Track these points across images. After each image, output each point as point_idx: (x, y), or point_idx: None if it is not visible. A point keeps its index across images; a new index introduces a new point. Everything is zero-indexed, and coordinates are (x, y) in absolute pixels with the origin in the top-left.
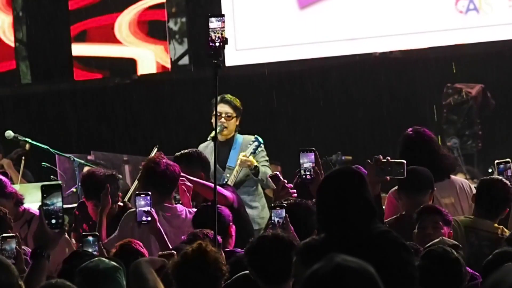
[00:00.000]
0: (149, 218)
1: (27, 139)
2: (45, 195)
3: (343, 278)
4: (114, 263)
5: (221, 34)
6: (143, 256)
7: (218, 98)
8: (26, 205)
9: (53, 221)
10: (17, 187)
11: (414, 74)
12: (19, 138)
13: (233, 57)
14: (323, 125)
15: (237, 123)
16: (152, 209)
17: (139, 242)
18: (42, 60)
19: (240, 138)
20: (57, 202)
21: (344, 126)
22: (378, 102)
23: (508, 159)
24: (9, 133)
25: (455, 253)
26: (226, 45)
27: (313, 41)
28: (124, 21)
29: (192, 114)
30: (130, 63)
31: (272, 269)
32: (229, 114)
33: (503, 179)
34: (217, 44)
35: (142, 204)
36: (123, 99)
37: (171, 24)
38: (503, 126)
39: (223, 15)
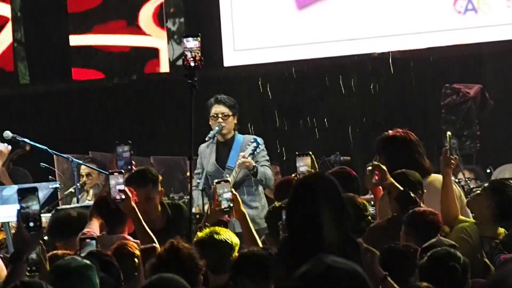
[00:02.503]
0: (123, 196)
1: (25, 140)
2: (20, 198)
3: (334, 279)
4: (86, 261)
5: (197, 53)
6: (138, 258)
7: (212, 99)
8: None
9: (31, 224)
10: (15, 188)
11: (413, 75)
12: (17, 138)
13: (231, 58)
14: (321, 126)
15: (235, 121)
16: (126, 187)
17: (134, 244)
18: (41, 60)
19: (240, 138)
20: (32, 205)
21: (343, 126)
22: (377, 102)
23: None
24: (7, 134)
25: (458, 254)
26: (201, 65)
27: (311, 42)
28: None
29: (190, 115)
30: (128, 63)
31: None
32: (225, 114)
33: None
34: (192, 64)
35: (117, 182)
36: (121, 100)
37: (169, 25)
38: (502, 127)
39: (199, 35)
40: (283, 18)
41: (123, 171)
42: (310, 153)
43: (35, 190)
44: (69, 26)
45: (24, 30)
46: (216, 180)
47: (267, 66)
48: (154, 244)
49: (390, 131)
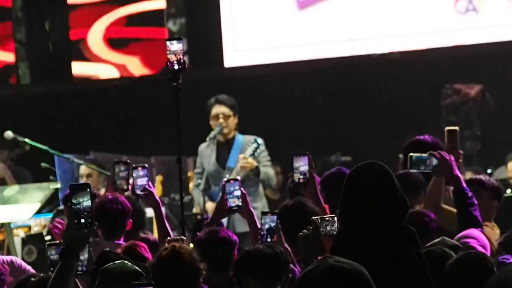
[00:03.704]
0: (146, 192)
1: (26, 140)
2: (72, 194)
3: (336, 279)
4: (136, 268)
5: (181, 56)
6: (148, 261)
7: (213, 99)
8: (25, 206)
9: (82, 220)
10: (16, 188)
11: (413, 75)
12: (18, 138)
13: (232, 58)
14: (322, 126)
15: (236, 121)
16: (149, 181)
17: (144, 246)
18: (42, 60)
19: (240, 138)
20: (83, 201)
21: (343, 127)
22: (377, 103)
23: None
24: (8, 134)
25: (454, 254)
26: (184, 69)
27: (312, 42)
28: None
29: (191, 115)
30: (129, 63)
31: (257, 286)
32: (225, 114)
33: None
34: (176, 67)
35: (137, 176)
36: (122, 100)
37: (170, 25)
38: (502, 127)
39: (181, 38)
40: (284, 18)
41: (147, 165)
42: (307, 152)
43: (87, 186)
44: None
45: (25, 31)
46: (225, 179)
47: (267, 67)
48: (182, 237)
49: (420, 136)
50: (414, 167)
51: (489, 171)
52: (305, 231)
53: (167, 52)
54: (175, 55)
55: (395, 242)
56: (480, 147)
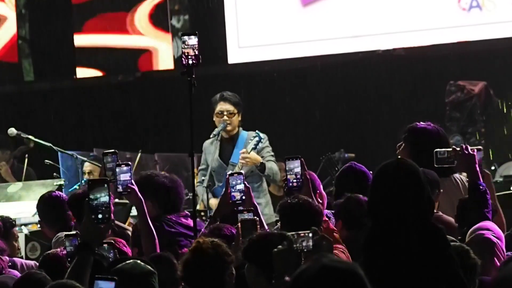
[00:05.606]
0: (129, 190)
1: (29, 137)
2: (89, 190)
3: (328, 279)
4: (149, 268)
5: (196, 51)
6: (127, 256)
7: (218, 96)
8: (29, 203)
9: (100, 215)
10: (19, 185)
11: (417, 72)
12: (22, 135)
13: (236, 55)
14: (326, 122)
15: (240, 118)
16: (132, 179)
17: (122, 241)
18: (45, 57)
19: (244, 134)
20: (101, 196)
21: (347, 123)
22: (381, 99)
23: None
24: (12, 131)
25: None
26: (199, 63)
27: (316, 39)
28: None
29: (195, 112)
30: (132, 60)
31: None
32: (230, 111)
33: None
34: (190, 62)
35: (121, 171)
36: (126, 97)
37: (174, 22)
38: (506, 123)
39: (196, 33)
40: (287, 15)
41: (130, 163)
42: (299, 156)
43: (104, 182)
44: (72, 21)
45: (29, 27)
46: (229, 172)
47: (271, 63)
48: (255, 217)
49: (421, 122)
50: (440, 162)
51: (492, 167)
52: (279, 246)
53: (184, 47)
54: (193, 49)
55: (422, 244)
56: (484, 143)
